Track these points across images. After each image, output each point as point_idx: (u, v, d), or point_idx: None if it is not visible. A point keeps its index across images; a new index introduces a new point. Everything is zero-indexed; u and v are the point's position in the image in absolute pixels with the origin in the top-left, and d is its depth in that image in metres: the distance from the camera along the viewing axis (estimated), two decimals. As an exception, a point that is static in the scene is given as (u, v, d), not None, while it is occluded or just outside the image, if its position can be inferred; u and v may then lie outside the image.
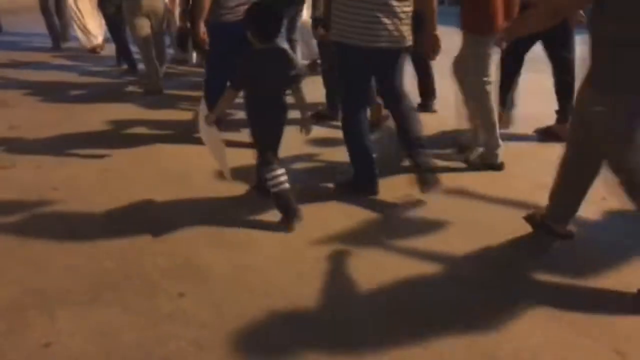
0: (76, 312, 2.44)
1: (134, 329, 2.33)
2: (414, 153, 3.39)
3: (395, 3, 3.14)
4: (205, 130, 3.42)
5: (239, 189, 3.61)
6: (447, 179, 3.61)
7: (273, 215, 3.23)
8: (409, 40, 3.29)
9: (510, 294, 2.56)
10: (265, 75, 3.09)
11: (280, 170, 3.10)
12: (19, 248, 2.98)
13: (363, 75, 3.36)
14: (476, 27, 3.65)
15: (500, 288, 2.61)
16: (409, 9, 3.23)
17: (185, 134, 4.62)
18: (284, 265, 2.77)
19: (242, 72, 3.12)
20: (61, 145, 4.50)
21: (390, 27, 3.15)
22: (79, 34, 8.21)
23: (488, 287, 2.61)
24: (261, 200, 3.39)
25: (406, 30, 3.24)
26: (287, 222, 3.11)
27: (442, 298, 2.52)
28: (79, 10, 7.91)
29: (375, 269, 2.73)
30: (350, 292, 2.57)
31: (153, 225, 3.17)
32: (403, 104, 3.46)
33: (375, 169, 3.47)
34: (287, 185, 3.12)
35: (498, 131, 3.84)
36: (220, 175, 3.72)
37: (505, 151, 3.90)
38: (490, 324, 2.34)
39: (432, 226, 3.17)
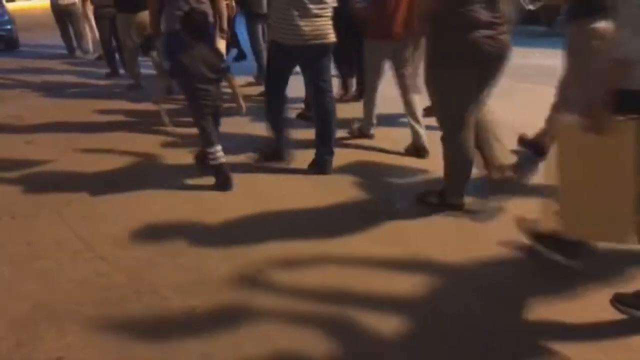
0: (87, 326, 2.44)
1: (144, 343, 2.32)
2: (323, 151, 4.04)
3: (312, 7, 3.66)
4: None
5: (247, 200, 3.63)
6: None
7: (282, 229, 3.24)
8: (331, 38, 3.80)
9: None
10: (197, 68, 3.68)
11: (219, 147, 3.78)
12: (31, 262, 3.00)
13: (287, 67, 3.96)
14: (371, 33, 4.28)
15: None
16: (328, 10, 3.76)
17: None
18: (294, 280, 2.75)
19: (176, 64, 3.74)
20: (71, 159, 4.55)
21: (310, 27, 3.69)
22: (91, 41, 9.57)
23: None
24: (267, 219, 3.41)
25: (327, 28, 3.77)
26: (223, 189, 3.79)
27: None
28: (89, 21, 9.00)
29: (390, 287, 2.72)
30: (357, 314, 2.55)
31: (164, 239, 3.18)
32: (327, 98, 3.99)
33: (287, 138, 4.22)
34: (223, 159, 3.81)
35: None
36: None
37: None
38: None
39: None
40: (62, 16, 9.52)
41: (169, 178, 4.07)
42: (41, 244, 3.18)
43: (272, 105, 4.12)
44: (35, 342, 2.35)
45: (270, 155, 4.26)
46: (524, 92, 6.07)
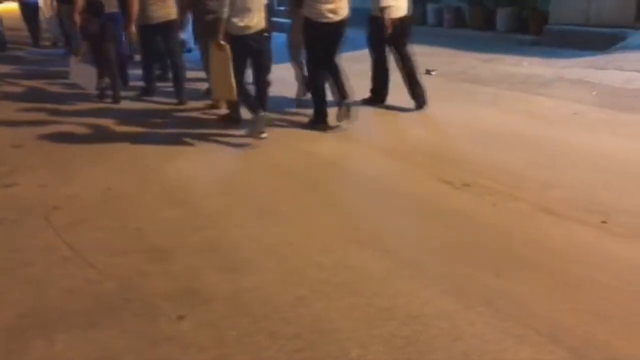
0: (75, 335, 2.43)
1: (132, 352, 2.32)
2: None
3: None
4: (75, 68, 6.57)
5: (241, 208, 3.64)
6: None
7: (275, 236, 3.26)
8: (173, 15, 6.21)
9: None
10: (99, 33, 6.24)
11: (107, 78, 6.42)
12: (19, 269, 2.98)
13: (151, 39, 6.41)
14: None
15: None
16: None
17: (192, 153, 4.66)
18: (284, 287, 2.76)
19: (86, 30, 6.32)
20: (64, 163, 4.54)
21: (159, 6, 6.06)
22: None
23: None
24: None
25: (171, 8, 6.17)
26: (114, 102, 6.45)
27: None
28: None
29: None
30: (349, 315, 2.57)
31: (154, 247, 3.17)
32: (177, 60, 6.48)
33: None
34: (105, 84, 6.44)
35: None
36: (222, 193, 3.76)
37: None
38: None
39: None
40: (30, 12, 11.15)
41: (165, 193, 4.07)
42: (29, 250, 3.16)
43: (148, 68, 6.74)
44: (24, 351, 2.34)
45: (146, 92, 6.70)
46: (511, 100, 6.13)
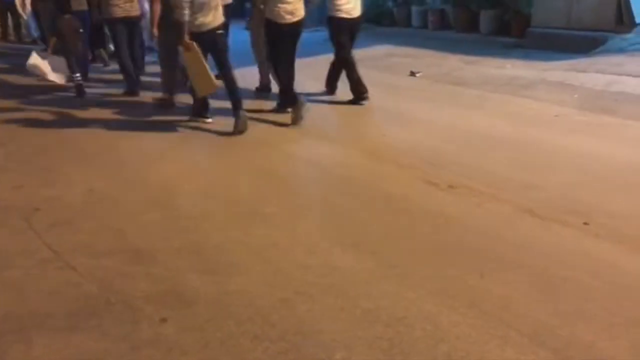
0: (54, 339, 2.39)
1: (113, 356, 2.28)
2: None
3: None
4: (46, 64, 6.80)
5: (224, 210, 3.62)
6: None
7: (259, 238, 3.23)
8: (137, 10, 6.69)
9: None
10: (66, 28, 6.54)
11: (78, 74, 6.64)
12: (-2, 271, 2.93)
13: (121, 34, 6.64)
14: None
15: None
16: None
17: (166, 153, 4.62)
18: (268, 289, 2.74)
19: (54, 26, 6.71)
20: (41, 162, 4.48)
21: (126, 3, 6.48)
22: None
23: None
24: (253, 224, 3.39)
25: (135, 6, 6.62)
26: (78, 95, 6.60)
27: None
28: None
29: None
30: (334, 317, 2.56)
31: (136, 249, 3.13)
32: (136, 55, 6.98)
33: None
34: (80, 81, 6.63)
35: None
36: (205, 195, 3.74)
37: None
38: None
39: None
40: (5, 8, 11.49)
41: (148, 194, 4.03)
42: (9, 253, 3.10)
43: (123, 59, 6.73)
44: (1, 356, 2.28)
45: (129, 93, 6.75)
46: (494, 102, 6.19)
